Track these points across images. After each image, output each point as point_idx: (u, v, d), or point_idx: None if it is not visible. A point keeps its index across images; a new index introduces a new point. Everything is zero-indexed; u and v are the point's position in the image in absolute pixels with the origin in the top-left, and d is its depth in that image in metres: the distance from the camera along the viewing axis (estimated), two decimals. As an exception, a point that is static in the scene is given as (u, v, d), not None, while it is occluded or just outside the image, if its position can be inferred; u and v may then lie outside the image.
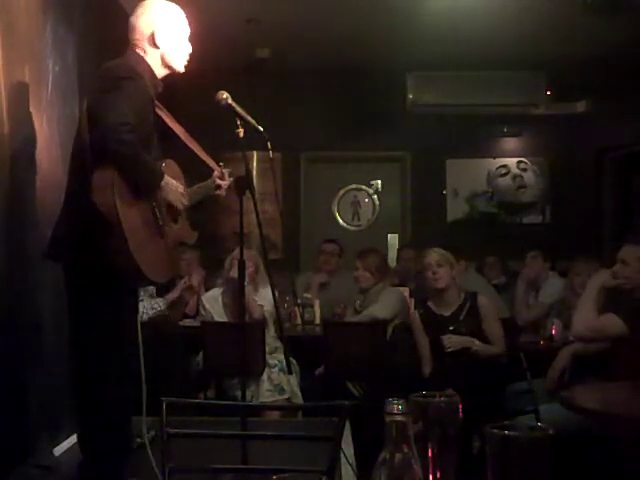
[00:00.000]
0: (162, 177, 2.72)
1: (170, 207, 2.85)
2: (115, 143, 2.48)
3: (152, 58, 2.85)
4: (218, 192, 3.16)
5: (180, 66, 2.92)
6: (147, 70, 2.82)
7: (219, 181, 3.14)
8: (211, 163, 3.16)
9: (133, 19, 2.88)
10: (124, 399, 2.75)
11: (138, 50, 2.85)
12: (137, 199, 2.63)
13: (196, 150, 3.12)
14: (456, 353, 3.87)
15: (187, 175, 3.06)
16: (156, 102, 2.89)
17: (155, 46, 2.84)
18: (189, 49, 2.94)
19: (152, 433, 2.78)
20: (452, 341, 3.90)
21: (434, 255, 4.06)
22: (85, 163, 2.58)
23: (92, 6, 4.34)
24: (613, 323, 3.11)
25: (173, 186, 2.80)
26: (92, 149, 2.57)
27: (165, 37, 2.84)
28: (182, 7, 2.95)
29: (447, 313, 4.05)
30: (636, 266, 3.21)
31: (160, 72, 2.90)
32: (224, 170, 3.17)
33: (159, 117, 2.92)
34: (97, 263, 2.57)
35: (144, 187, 2.66)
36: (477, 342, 3.90)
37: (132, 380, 2.77)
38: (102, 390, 2.69)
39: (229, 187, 3.14)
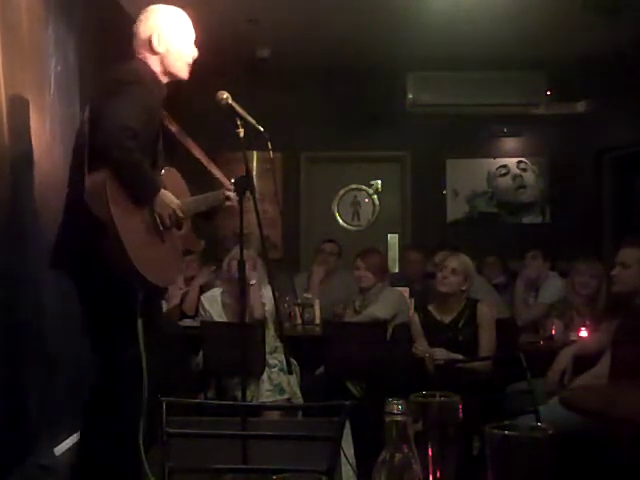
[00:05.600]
0: (159, 189, 2.68)
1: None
2: (115, 149, 2.46)
3: (154, 64, 2.83)
4: (228, 204, 3.07)
5: (182, 72, 2.89)
6: (150, 76, 2.79)
7: (228, 193, 3.04)
8: (222, 179, 3.11)
9: (135, 26, 2.87)
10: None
11: (140, 57, 2.83)
12: (136, 204, 2.62)
13: (207, 164, 3.12)
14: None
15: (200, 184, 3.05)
16: (165, 113, 2.88)
17: (153, 52, 2.82)
18: (192, 53, 2.90)
19: None
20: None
21: (455, 262, 4.02)
22: (83, 166, 2.54)
23: (93, 6, 4.34)
24: None
25: (167, 199, 2.73)
26: (90, 152, 2.53)
27: (163, 42, 2.82)
28: (182, 8, 2.95)
29: (447, 320, 4.04)
30: (637, 268, 3.17)
31: (162, 79, 2.87)
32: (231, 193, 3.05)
33: (167, 129, 2.91)
34: (98, 268, 2.52)
35: (139, 195, 2.62)
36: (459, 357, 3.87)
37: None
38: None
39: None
